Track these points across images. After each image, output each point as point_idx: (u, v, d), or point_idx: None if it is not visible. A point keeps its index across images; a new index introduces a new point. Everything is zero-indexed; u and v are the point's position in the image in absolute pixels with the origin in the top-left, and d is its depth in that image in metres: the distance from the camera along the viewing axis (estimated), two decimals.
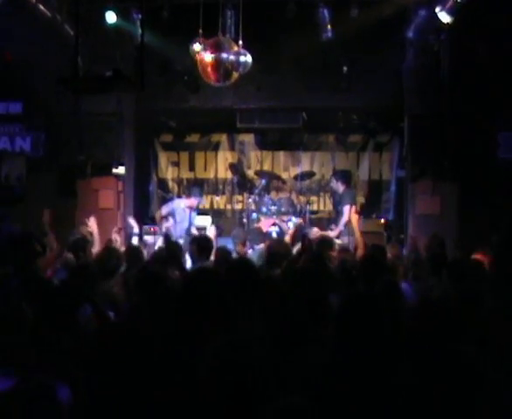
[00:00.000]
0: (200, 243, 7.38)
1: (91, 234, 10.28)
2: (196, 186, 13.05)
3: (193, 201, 11.71)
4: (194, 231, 11.58)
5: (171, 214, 11.61)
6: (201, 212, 12.92)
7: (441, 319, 3.60)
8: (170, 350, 3.07)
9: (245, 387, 2.68)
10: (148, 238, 11.57)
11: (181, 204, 11.70)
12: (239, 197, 14.32)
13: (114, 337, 2.83)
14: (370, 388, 3.01)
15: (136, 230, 11.17)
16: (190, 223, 11.55)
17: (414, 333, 3.55)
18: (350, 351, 3.24)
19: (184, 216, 11.48)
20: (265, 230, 12.10)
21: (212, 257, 7.39)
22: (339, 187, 12.11)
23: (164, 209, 11.82)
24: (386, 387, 3.01)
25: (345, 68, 11.57)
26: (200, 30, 9.63)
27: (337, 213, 12.51)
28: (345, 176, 12.80)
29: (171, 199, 12.59)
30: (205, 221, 12.62)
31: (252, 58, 9.61)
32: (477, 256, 7.39)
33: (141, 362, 2.75)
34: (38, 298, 4.00)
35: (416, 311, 3.39)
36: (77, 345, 3.29)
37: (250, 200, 12.96)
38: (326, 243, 7.79)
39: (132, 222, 11.14)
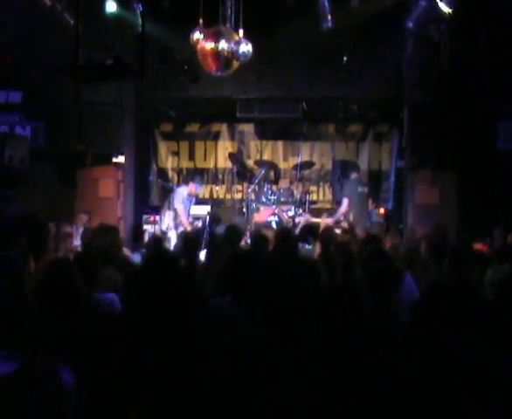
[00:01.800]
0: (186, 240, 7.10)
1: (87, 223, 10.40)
2: (198, 174, 13.03)
3: (191, 187, 11.72)
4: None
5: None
6: (200, 202, 12.94)
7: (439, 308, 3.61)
8: (171, 335, 3.10)
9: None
10: (148, 228, 11.59)
11: (184, 193, 11.72)
12: (239, 187, 14.32)
13: (116, 322, 2.86)
14: (351, 375, 3.03)
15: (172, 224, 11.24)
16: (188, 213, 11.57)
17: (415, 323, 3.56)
18: (330, 342, 3.29)
19: (188, 204, 11.51)
20: (264, 219, 12.13)
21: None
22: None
23: (179, 208, 11.65)
24: (372, 377, 3.03)
25: (345, 58, 11.57)
26: (200, 20, 9.62)
27: (337, 203, 12.58)
28: (345, 167, 12.86)
29: (172, 190, 12.57)
30: (203, 210, 12.63)
31: (253, 47, 9.60)
32: (477, 245, 7.43)
33: (143, 347, 2.78)
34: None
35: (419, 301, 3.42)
36: (79, 329, 3.32)
37: (249, 190, 12.99)
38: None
39: (169, 217, 11.23)
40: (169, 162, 14.62)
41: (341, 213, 11.59)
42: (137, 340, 2.90)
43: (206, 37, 9.55)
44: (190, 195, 11.61)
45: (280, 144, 14.52)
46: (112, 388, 2.68)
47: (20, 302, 3.43)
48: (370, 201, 12.37)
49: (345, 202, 11.55)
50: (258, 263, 5.06)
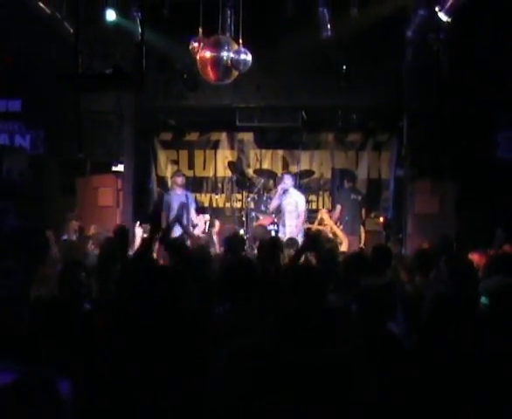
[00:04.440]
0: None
1: (81, 231, 10.27)
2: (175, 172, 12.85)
3: (176, 179, 11.74)
4: (193, 214, 11.50)
5: (168, 205, 11.57)
6: (200, 210, 12.93)
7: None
8: (170, 346, 3.08)
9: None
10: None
11: (176, 191, 11.72)
12: (238, 196, 14.31)
13: (114, 331, 2.85)
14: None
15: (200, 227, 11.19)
16: (188, 206, 11.48)
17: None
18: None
19: (181, 198, 11.46)
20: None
21: None
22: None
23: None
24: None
25: (344, 67, 11.56)
26: (200, 29, 9.64)
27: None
28: (343, 175, 13.00)
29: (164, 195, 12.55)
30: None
31: (252, 56, 9.61)
32: (473, 255, 7.40)
33: (141, 357, 2.76)
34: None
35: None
36: (77, 339, 3.30)
37: (249, 198, 12.97)
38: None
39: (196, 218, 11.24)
40: (168, 171, 14.61)
41: (334, 218, 11.78)
42: (135, 350, 2.89)
43: (206, 46, 9.57)
44: (181, 187, 11.62)
45: (279, 153, 14.52)
46: (109, 398, 2.67)
47: (18, 313, 3.42)
48: (364, 210, 12.56)
49: (338, 208, 11.88)
50: (258, 271, 5.07)
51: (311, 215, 12.85)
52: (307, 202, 13.15)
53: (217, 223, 11.75)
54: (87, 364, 2.79)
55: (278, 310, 3.95)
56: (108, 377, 2.71)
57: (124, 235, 6.89)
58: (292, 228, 11.38)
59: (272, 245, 6.92)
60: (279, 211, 11.89)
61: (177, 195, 11.63)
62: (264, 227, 10.75)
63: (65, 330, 3.12)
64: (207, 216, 12.63)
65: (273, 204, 11.84)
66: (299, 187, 12.96)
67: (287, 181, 11.70)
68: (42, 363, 2.90)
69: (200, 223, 11.49)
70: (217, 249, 10.21)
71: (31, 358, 2.94)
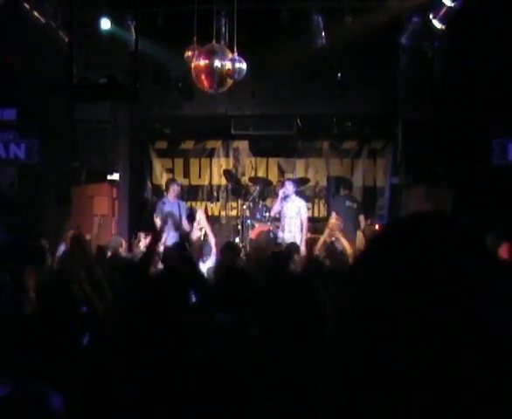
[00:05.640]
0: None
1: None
2: (172, 180, 12.81)
3: (175, 188, 11.71)
4: (185, 223, 11.46)
5: (162, 212, 11.52)
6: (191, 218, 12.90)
7: None
8: (163, 359, 3.07)
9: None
10: (142, 245, 11.51)
11: (169, 199, 11.70)
12: (234, 204, 14.29)
13: (108, 346, 2.84)
14: None
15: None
16: (181, 215, 11.45)
17: None
18: None
19: (173, 206, 11.43)
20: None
21: None
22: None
23: (158, 218, 11.64)
24: None
25: (339, 75, 11.59)
26: (194, 38, 9.65)
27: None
28: (339, 183, 13.02)
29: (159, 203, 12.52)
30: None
31: (247, 64, 9.62)
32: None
33: (134, 372, 2.75)
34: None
35: None
36: (71, 353, 3.29)
37: (244, 207, 12.95)
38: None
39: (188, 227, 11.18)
40: (163, 179, 14.58)
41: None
42: (129, 362, 2.87)
43: (200, 55, 9.57)
44: (176, 197, 11.59)
45: (274, 161, 14.51)
46: (102, 413, 2.65)
47: (10, 326, 3.41)
48: (362, 217, 12.52)
49: (333, 215, 11.87)
50: (253, 279, 5.04)
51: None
52: None
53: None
54: (79, 378, 2.78)
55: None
56: (101, 391, 2.69)
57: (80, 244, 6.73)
58: (292, 233, 11.39)
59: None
60: (278, 218, 11.94)
61: (170, 203, 11.60)
62: (267, 233, 10.73)
63: (55, 342, 3.11)
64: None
65: (275, 209, 11.90)
66: (295, 194, 12.96)
67: (289, 187, 11.75)
68: (34, 377, 2.89)
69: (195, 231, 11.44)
70: (212, 247, 10.09)
71: (22, 372, 2.93)
